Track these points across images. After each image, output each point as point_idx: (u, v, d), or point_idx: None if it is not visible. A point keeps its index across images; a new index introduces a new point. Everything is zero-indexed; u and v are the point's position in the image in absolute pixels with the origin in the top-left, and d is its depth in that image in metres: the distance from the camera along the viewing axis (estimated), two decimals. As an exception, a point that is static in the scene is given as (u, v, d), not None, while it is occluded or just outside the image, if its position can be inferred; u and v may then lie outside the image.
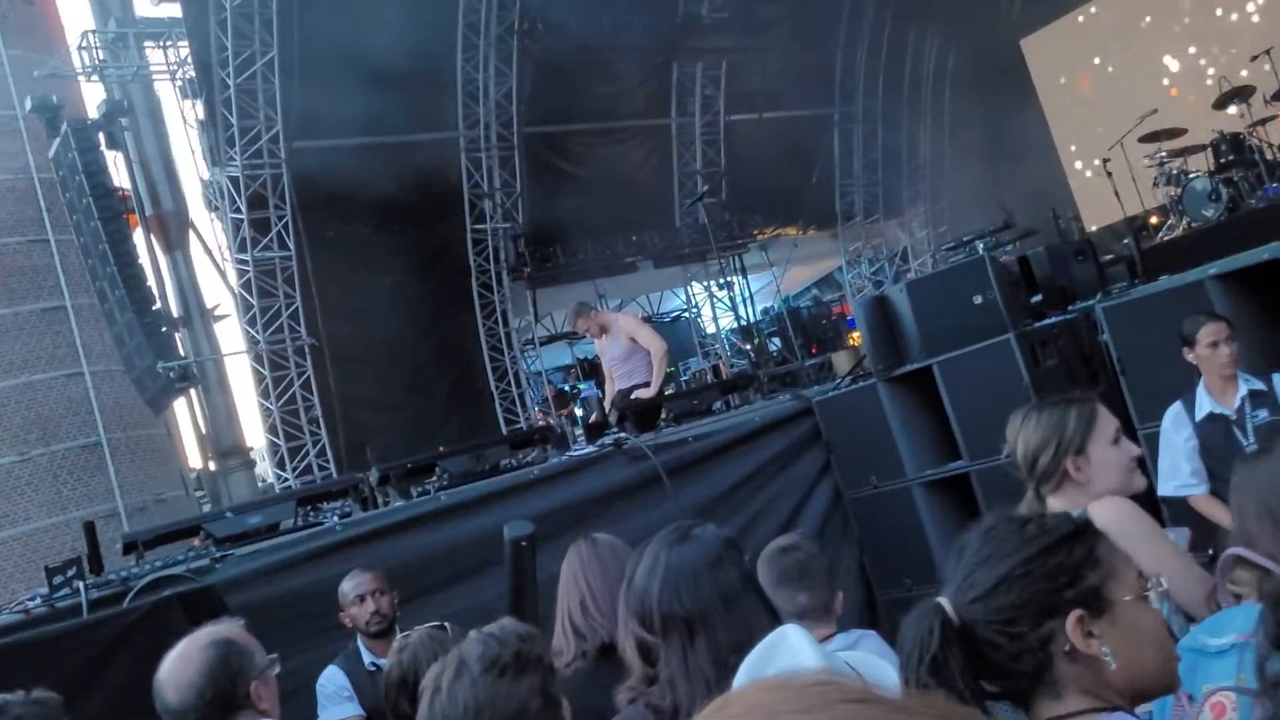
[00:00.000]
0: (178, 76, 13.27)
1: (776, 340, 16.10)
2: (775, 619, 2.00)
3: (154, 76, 13.98)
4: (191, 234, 15.29)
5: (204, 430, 15.21)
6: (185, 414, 15.78)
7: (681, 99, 16.29)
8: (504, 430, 13.44)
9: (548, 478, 5.51)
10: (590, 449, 5.87)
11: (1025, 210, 12.34)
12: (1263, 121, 9.21)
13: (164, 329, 11.88)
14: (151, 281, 12.48)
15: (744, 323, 15.67)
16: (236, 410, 14.98)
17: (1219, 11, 13.72)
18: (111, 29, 13.90)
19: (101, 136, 12.08)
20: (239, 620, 2.56)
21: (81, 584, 4.18)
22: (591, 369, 14.43)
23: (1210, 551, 3.02)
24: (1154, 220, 10.79)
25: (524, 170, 14.51)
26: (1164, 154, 9.29)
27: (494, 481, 5.44)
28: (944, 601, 1.44)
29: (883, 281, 17.63)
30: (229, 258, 12.85)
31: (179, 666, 2.33)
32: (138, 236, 13.20)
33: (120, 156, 13.59)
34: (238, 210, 12.29)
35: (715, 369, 15.62)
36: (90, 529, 4.74)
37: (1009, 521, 1.48)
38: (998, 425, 2.77)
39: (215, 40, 11.79)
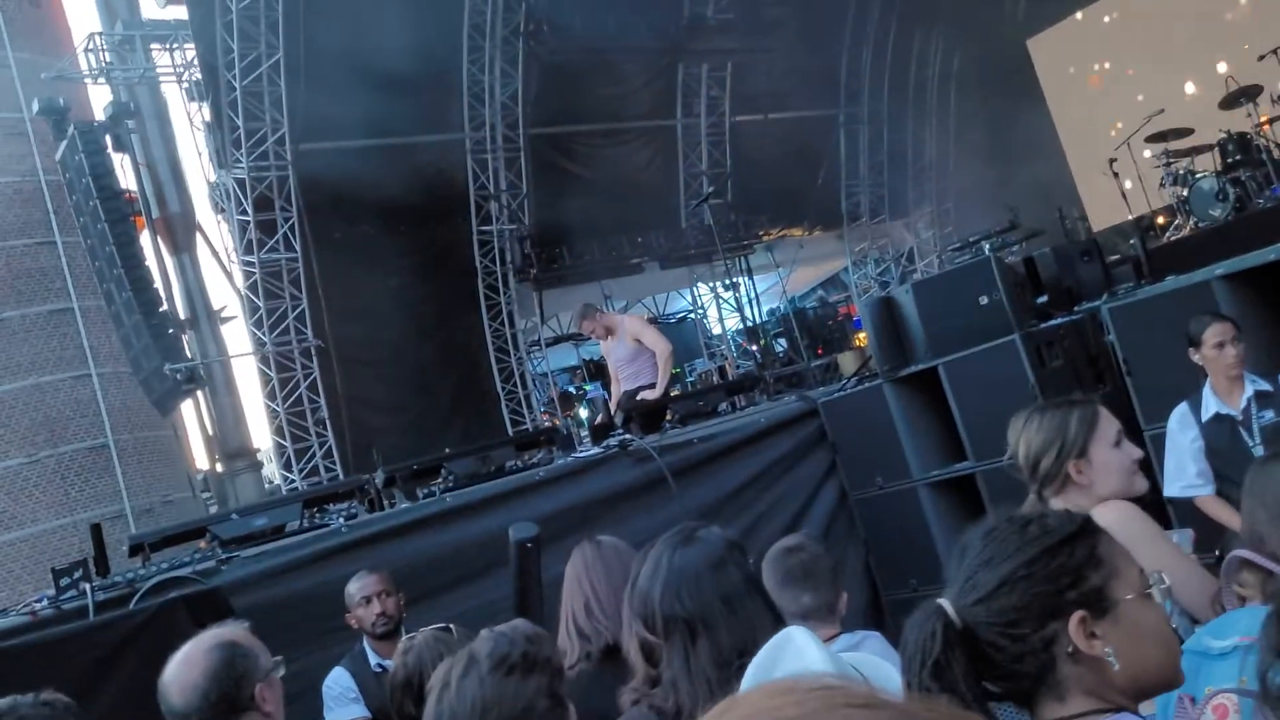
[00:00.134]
0: (184, 79, 13.32)
1: (782, 341, 16.08)
2: (778, 621, 2.00)
3: (160, 79, 14.04)
4: (198, 236, 15.32)
5: (211, 432, 15.22)
6: (192, 416, 15.80)
7: (687, 100, 16.29)
8: (510, 431, 13.45)
9: (553, 479, 5.50)
10: (595, 450, 5.87)
11: (1032, 211, 12.32)
12: (1270, 121, 9.17)
13: (171, 331, 11.91)
14: (158, 283, 12.50)
15: (750, 324, 15.67)
16: (243, 412, 15.01)
17: (1225, 11, 13.69)
18: (118, 31, 13.94)
19: (108, 139, 12.11)
20: (244, 623, 2.56)
21: (88, 586, 4.19)
22: (597, 370, 14.44)
23: (1217, 552, 3.02)
24: (1161, 220, 10.76)
25: (530, 172, 14.53)
26: (1170, 154, 9.26)
27: (499, 483, 5.44)
28: (945, 604, 1.43)
29: (889, 282, 17.62)
30: (235, 259, 12.89)
31: (183, 669, 2.33)
32: (144, 239, 13.23)
33: (127, 159, 13.62)
34: (244, 212, 12.33)
35: (721, 370, 15.64)
36: (96, 531, 4.76)
37: (1010, 522, 1.47)
38: (1003, 426, 2.77)
39: (221, 42, 11.83)
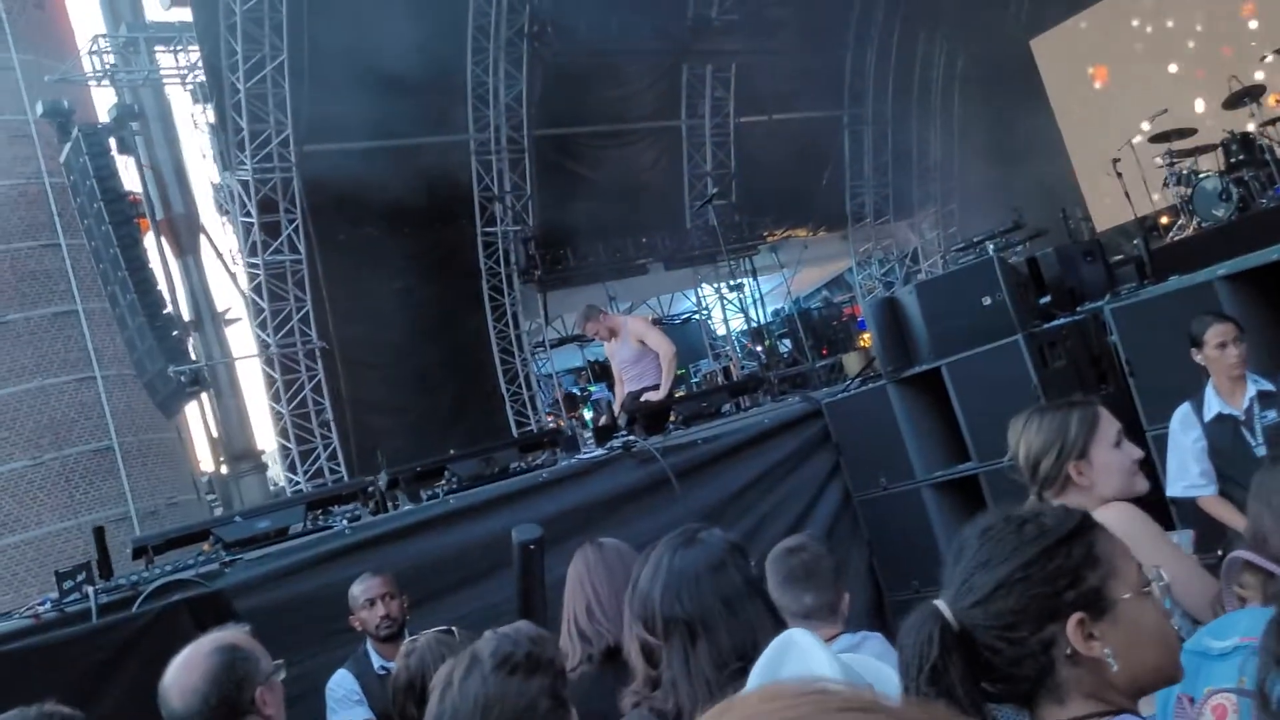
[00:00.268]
0: (188, 81, 13.35)
1: (787, 342, 16.08)
2: (779, 623, 2.00)
3: (165, 81, 14.07)
4: (203, 238, 15.36)
5: (215, 434, 15.26)
6: (197, 418, 15.84)
7: (691, 101, 16.30)
8: (515, 433, 13.46)
9: (557, 481, 5.51)
10: (599, 452, 5.87)
11: (1035, 211, 12.29)
12: (1274, 121, 9.15)
13: (175, 333, 11.93)
14: (163, 286, 12.53)
15: (754, 324, 15.66)
16: (248, 414, 15.05)
17: (1229, 10, 13.66)
18: (122, 34, 13.98)
19: (112, 141, 12.13)
20: (245, 626, 2.57)
21: (91, 589, 4.19)
22: (602, 371, 14.45)
23: (1220, 552, 3.01)
24: (1164, 220, 10.74)
25: (534, 173, 14.54)
26: (1173, 154, 9.25)
27: (503, 485, 5.44)
28: (942, 606, 1.42)
29: (893, 283, 17.61)
30: (240, 261, 12.91)
31: (184, 672, 2.34)
32: (149, 241, 13.26)
33: (131, 161, 13.65)
34: (248, 214, 12.34)
35: (726, 371, 15.63)
36: (100, 534, 4.76)
37: (1007, 521, 1.46)
38: (1006, 427, 2.77)
39: (225, 44, 11.85)
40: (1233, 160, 8.68)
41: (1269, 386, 4.24)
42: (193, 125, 13.54)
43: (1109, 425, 2.59)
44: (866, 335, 14.61)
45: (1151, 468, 4.56)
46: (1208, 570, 2.51)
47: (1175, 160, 9.18)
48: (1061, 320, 5.94)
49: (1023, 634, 1.37)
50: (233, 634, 2.45)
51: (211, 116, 12.60)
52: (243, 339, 14.43)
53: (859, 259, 18.56)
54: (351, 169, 12.23)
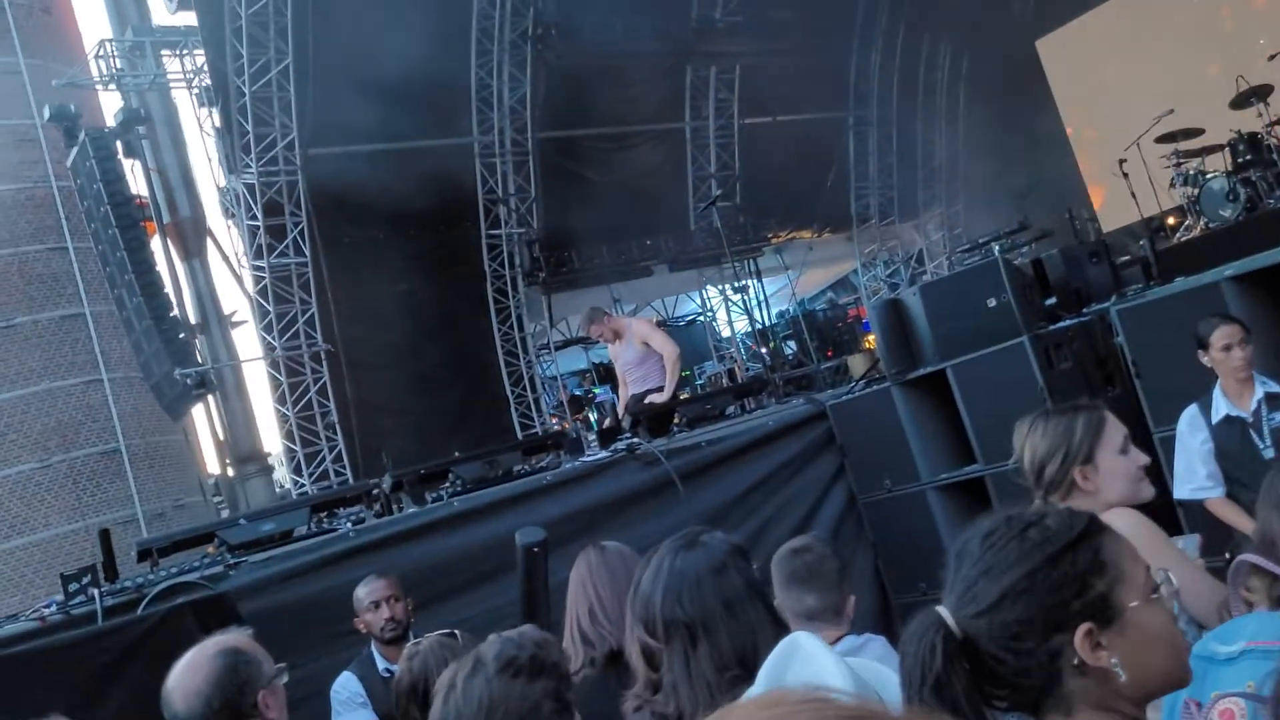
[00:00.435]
0: (194, 84, 13.37)
1: (792, 344, 16.07)
2: (780, 626, 2.00)
3: (171, 84, 14.10)
4: (209, 241, 15.38)
5: (222, 436, 15.28)
6: (203, 420, 15.87)
7: (695, 103, 16.29)
8: (519, 435, 13.46)
9: (560, 483, 5.51)
10: (603, 454, 5.87)
11: (1041, 212, 12.29)
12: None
13: (181, 336, 11.94)
14: (169, 289, 12.55)
15: (759, 326, 15.65)
16: (254, 416, 15.06)
17: (1235, 10, 13.62)
18: (128, 38, 14.02)
19: (119, 145, 12.16)
20: (247, 629, 2.57)
21: (96, 591, 4.20)
22: (607, 374, 14.44)
23: (1227, 556, 2.99)
24: (1171, 221, 10.71)
25: (538, 175, 14.54)
26: (1180, 154, 9.22)
27: (507, 487, 5.44)
28: (945, 614, 1.38)
29: (898, 284, 17.59)
30: (245, 264, 12.92)
31: (187, 675, 2.34)
32: (155, 244, 13.27)
33: (138, 164, 13.68)
34: (254, 217, 12.37)
35: (730, 373, 15.62)
36: (105, 536, 4.77)
37: (1009, 525, 1.41)
38: (1012, 429, 2.75)
39: (231, 48, 11.88)
40: (1240, 160, 8.65)
41: (1277, 388, 4.22)
42: (199, 129, 13.57)
43: (1115, 430, 2.56)
44: (871, 337, 14.59)
45: (1158, 470, 4.54)
46: (1214, 573, 2.50)
47: (1182, 160, 9.16)
48: (1067, 322, 5.93)
49: (1028, 645, 1.34)
50: (235, 637, 2.46)
51: (217, 120, 12.62)
52: (249, 342, 14.44)
53: (864, 260, 18.54)
54: (356, 172, 12.25)
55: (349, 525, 5.11)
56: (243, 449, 14.97)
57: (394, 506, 5.45)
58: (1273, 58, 9.74)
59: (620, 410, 7.82)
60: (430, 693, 2.46)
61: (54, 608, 4.23)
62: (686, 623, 1.97)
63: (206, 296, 15.14)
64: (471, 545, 5.05)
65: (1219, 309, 4.66)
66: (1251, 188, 8.25)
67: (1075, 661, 1.32)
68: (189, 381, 11.85)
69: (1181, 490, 4.39)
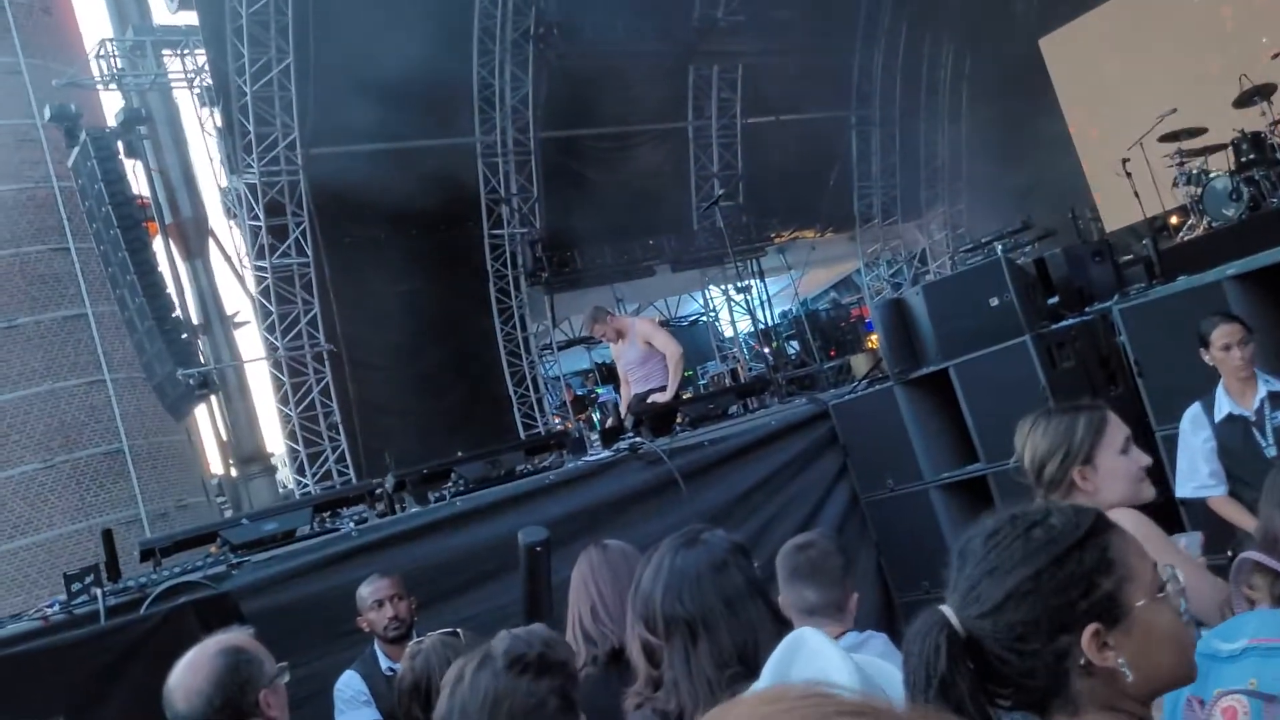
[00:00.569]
0: (195, 84, 13.38)
1: (794, 343, 16.07)
2: (781, 624, 2.00)
3: (172, 84, 14.10)
4: (211, 241, 15.39)
5: (225, 437, 15.28)
6: (206, 421, 15.88)
7: (698, 102, 16.29)
8: (522, 435, 13.47)
9: (563, 483, 5.51)
10: (606, 454, 5.87)
11: (1044, 211, 12.29)
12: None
13: (184, 336, 11.95)
14: (171, 289, 12.56)
15: (762, 326, 15.65)
16: (257, 416, 15.06)
17: (1238, 9, 13.60)
18: (129, 37, 14.02)
19: (120, 145, 12.17)
20: (249, 629, 2.57)
21: (99, 591, 4.21)
22: (609, 373, 14.44)
23: (1229, 554, 2.98)
24: (1174, 220, 10.69)
25: (541, 175, 14.55)
26: (1183, 153, 9.21)
27: (509, 487, 5.44)
28: (949, 613, 1.36)
29: (901, 284, 17.59)
30: (247, 264, 12.93)
31: (188, 674, 2.34)
32: (157, 244, 13.28)
33: (139, 165, 13.70)
34: (255, 217, 12.38)
35: (733, 372, 15.62)
36: (108, 536, 4.77)
37: (1014, 524, 1.39)
38: (1015, 428, 2.75)
39: (232, 48, 11.89)
40: (1243, 160, 8.63)
41: (1280, 387, 4.22)
42: (200, 129, 13.58)
43: (1116, 431, 2.56)
44: (874, 337, 14.59)
45: (1160, 469, 4.54)
46: (1216, 571, 2.49)
47: (1185, 160, 9.14)
48: (1070, 321, 5.92)
49: (1034, 646, 1.32)
50: (237, 636, 2.46)
51: (219, 120, 12.63)
52: (251, 342, 14.45)
53: (867, 260, 18.54)
54: (358, 172, 12.25)
55: (352, 525, 5.11)
56: (246, 449, 14.98)
57: (397, 506, 5.46)
58: (1276, 56, 9.72)
59: (623, 410, 7.82)
60: (432, 691, 2.47)
61: (57, 607, 4.24)
62: (687, 620, 1.98)
63: (209, 297, 15.14)
64: (474, 545, 5.06)
65: (1221, 308, 4.66)
66: (1255, 187, 8.22)
67: (1082, 662, 1.30)
68: (192, 382, 11.86)
69: (1184, 488, 4.38)
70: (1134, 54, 14.65)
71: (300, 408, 12.57)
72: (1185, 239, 8.97)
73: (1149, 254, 7.17)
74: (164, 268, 12.69)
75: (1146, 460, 2.57)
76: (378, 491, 5.55)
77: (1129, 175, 9.67)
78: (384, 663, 4.15)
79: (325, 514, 5.61)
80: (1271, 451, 4.11)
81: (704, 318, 17.80)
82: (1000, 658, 1.33)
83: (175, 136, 14.99)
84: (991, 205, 15.46)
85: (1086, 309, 6.17)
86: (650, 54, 15.25)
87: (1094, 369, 5.64)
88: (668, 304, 17.81)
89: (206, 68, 12.79)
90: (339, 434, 12.70)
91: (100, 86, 13.88)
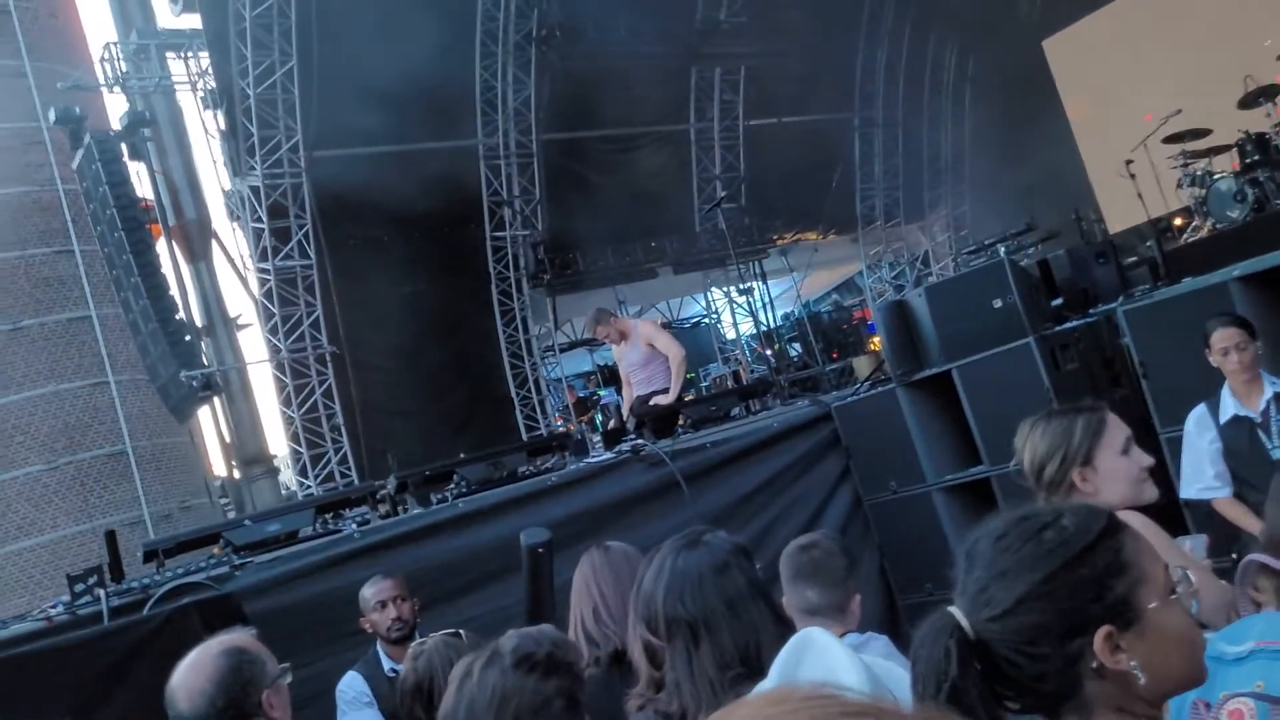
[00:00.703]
0: (199, 87, 13.40)
1: (797, 345, 16.05)
2: (783, 625, 2.00)
3: (176, 87, 14.13)
4: (214, 243, 15.40)
5: (228, 438, 15.30)
6: (209, 422, 15.90)
7: (700, 104, 16.29)
8: (524, 437, 13.47)
9: (565, 484, 5.51)
10: (608, 455, 5.86)
11: (1048, 213, 12.26)
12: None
13: (187, 338, 11.95)
14: (175, 291, 12.57)
15: (764, 328, 15.65)
16: (260, 418, 15.08)
17: (1242, 10, 13.59)
18: (133, 40, 14.05)
19: (124, 147, 12.18)
20: (251, 630, 2.57)
21: (102, 591, 4.21)
22: (611, 375, 14.44)
23: (1234, 556, 2.97)
24: (1178, 222, 10.67)
25: (543, 177, 14.55)
26: (1187, 154, 9.19)
27: (511, 488, 5.44)
28: (958, 615, 1.34)
29: (904, 286, 17.57)
30: (251, 266, 12.94)
31: (191, 675, 2.34)
32: (161, 247, 13.31)
33: (143, 167, 13.73)
34: (259, 219, 12.39)
35: (735, 374, 15.61)
36: (111, 537, 4.77)
37: (1023, 526, 1.37)
38: (1018, 430, 2.74)
39: (235, 50, 11.90)
40: (1248, 161, 8.61)
41: (1286, 389, 4.20)
42: (203, 131, 13.61)
43: (1116, 431, 2.54)
44: (876, 339, 14.57)
45: (1164, 471, 4.53)
46: (1221, 574, 2.48)
47: (1189, 161, 9.12)
48: (1074, 322, 5.91)
49: (1046, 649, 1.30)
50: (239, 637, 2.46)
51: (222, 122, 12.64)
52: (254, 344, 14.47)
53: (869, 262, 18.53)
54: (361, 174, 12.27)
55: (354, 526, 5.11)
56: (249, 451, 15.00)
57: (399, 508, 5.45)
58: (1280, 58, 9.71)
59: (625, 412, 7.82)
60: (435, 692, 2.47)
61: (60, 608, 4.24)
62: (689, 621, 1.98)
63: (212, 299, 15.16)
64: (476, 546, 5.05)
65: (1227, 309, 4.64)
66: (1259, 188, 8.20)
67: (1094, 665, 1.29)
68: (195, 384, 11.87)
69: (1189, 490, 4.37)
70: (1138, 55, 14.64)
71: (303, 409, 12.58)
72: (1189, 241, 8.96)
73: (1154, 255, 7.15)
74: (167, 270, 12.71)
75: (1148, 461, 2.55)
76: (380, 493, 5.55)
77: (1133, 177, 9.67)
78: (386, 664, 4.15)
79: (328, 515, 5.62)
80: (1277, 453, 4.09)
81: (706, 320, 17.79)
82: (1010, 661, 1.31)
83: (179, 139, 15.02)
84: (995, 207, 15.45)
85: (1090, 310, 6.15)
86: (652, 56, 15.26)
87: (1098, 371, 5.63)
88: (670, 306, 17.81)
89: (210, 70, 12.81)
90: (341, 435, 12.71)
91: (105, 89, 13.91)
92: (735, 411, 7.05)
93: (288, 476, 14.90)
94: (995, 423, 5.44)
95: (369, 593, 4.21)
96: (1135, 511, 2.46)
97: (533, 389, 14.25)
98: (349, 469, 12.63)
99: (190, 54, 13.50)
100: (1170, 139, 9.54)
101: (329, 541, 4.89)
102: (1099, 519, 1.37)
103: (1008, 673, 1.32)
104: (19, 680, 3.76)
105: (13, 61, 14.47)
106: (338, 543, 4.87)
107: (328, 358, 12.72)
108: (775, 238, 16.82)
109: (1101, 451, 2.50)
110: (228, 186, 13.11)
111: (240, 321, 15.13)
